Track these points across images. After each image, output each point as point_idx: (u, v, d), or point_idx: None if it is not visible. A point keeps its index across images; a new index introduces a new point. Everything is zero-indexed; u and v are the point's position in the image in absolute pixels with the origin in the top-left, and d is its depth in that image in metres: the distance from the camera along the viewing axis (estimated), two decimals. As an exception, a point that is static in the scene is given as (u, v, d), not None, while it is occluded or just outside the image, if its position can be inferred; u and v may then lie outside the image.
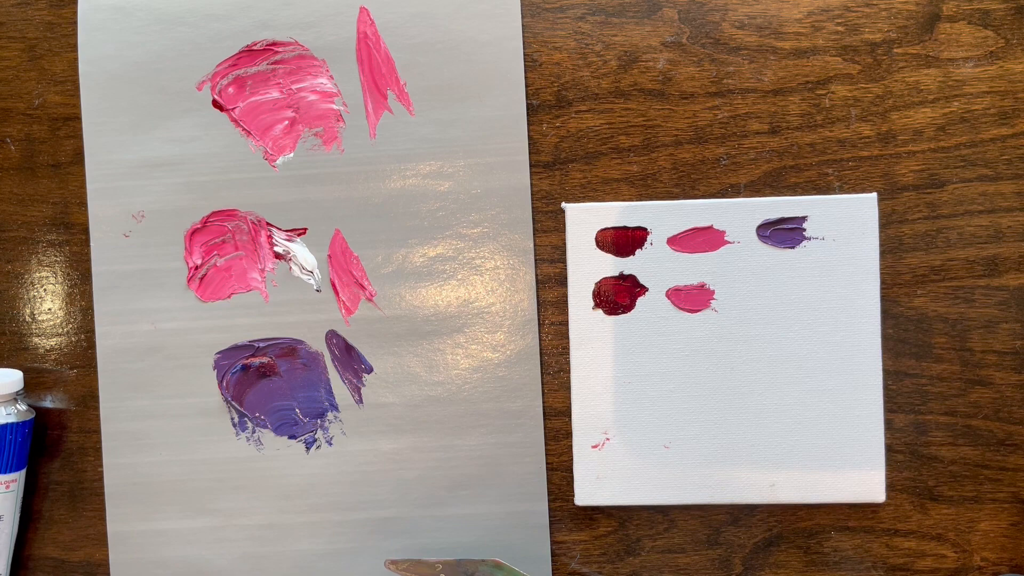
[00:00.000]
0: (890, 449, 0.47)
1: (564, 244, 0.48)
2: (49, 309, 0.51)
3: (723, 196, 0.48)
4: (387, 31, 0.49)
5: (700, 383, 0.47)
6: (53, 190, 0.51)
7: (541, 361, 0.49)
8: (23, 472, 0.49)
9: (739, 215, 0.47)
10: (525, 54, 0.49)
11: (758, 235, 0.47)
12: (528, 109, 0.49)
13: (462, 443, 0.49)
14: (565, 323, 0.48)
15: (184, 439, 0.50)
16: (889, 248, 0.47)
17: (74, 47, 0.50)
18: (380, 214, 0.49)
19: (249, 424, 0.49)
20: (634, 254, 0.47)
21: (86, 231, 0.50)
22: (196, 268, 0.50)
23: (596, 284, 0.47)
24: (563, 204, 0.48)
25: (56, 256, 0.51)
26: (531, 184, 0.49)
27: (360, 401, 0.49)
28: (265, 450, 0.49)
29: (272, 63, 0.49)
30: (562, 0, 0.48)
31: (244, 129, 0.49)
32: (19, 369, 0.50)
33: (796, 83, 0.48)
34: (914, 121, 0.47)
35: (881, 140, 0.47)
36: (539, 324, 0.49)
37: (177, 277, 0.50)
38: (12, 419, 0.47)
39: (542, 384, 0.49)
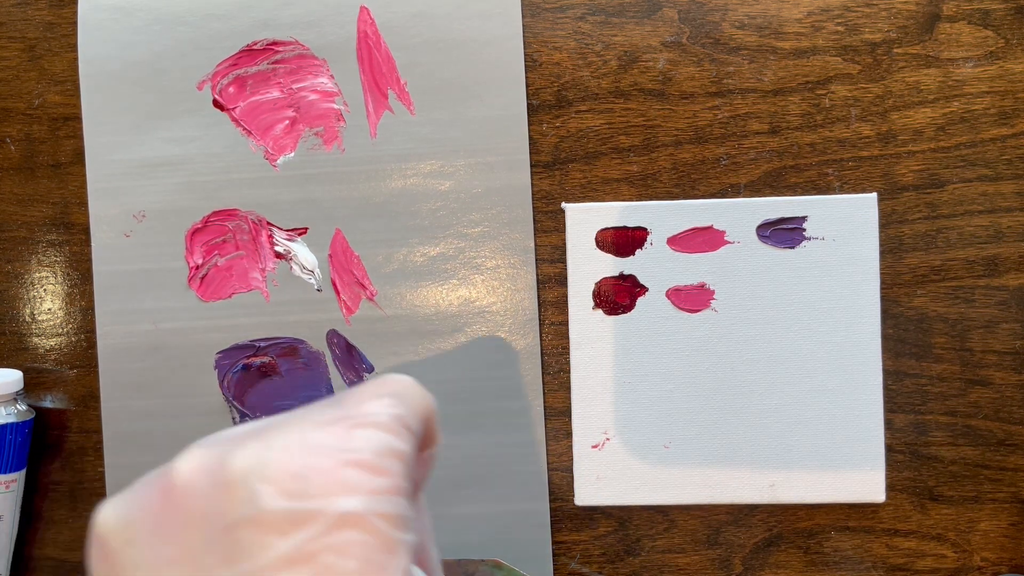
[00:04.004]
0: (890, 449, 0.47)
1: (564, 244, 0.48)
2: (49, 309, 0.51)
3: (723, 196, 0.48)
4: (387, 31, 0.49)
5: (700, 383, 0.47)
6: (53, 190, 0.51)
7: (541, 361, 0.49)
8: (23, 472, 0.49)
9: (739, 215, 0.47)
10: (525, 54, 0.49)
11: (758, 235, 0.47)
12: (528, 109, 0.49)
13: (462, 443, 0.49)
14: (565, 323, 0.48)
15: (185, 439, 0.49)
16: (889, 248, 0.47)
17: (74, 47, 0.50)
18: (381, 213, 0.49)
19: (249, 424, 0.49)
20: (634, 254, 0.47)
21: (86, 231, 0.50)
22: (197, 268, 0.50)
23: (596, 284, 0.47)
24: (563, 204, 0.48)
25: (56, 256, 0.51)
26: (531, 184, 0.49)
27: (360, 401, 0.49)
28: (265, 450, 0.49)
29: (272, 63, 0.49)
30: (562, 0, 0.48)
31: (245, 129, 0.49)
32: (19, 369, 0.50)
33: (796, 83, 0.48)
34: (914, 121, 0.47)
35: (881, 140, 0.47)
36: (539, 324, 0.49)
37: (178, 277, 0.50)
38: (12, 419, 0.47)
39: (542, 384, 0.49)
